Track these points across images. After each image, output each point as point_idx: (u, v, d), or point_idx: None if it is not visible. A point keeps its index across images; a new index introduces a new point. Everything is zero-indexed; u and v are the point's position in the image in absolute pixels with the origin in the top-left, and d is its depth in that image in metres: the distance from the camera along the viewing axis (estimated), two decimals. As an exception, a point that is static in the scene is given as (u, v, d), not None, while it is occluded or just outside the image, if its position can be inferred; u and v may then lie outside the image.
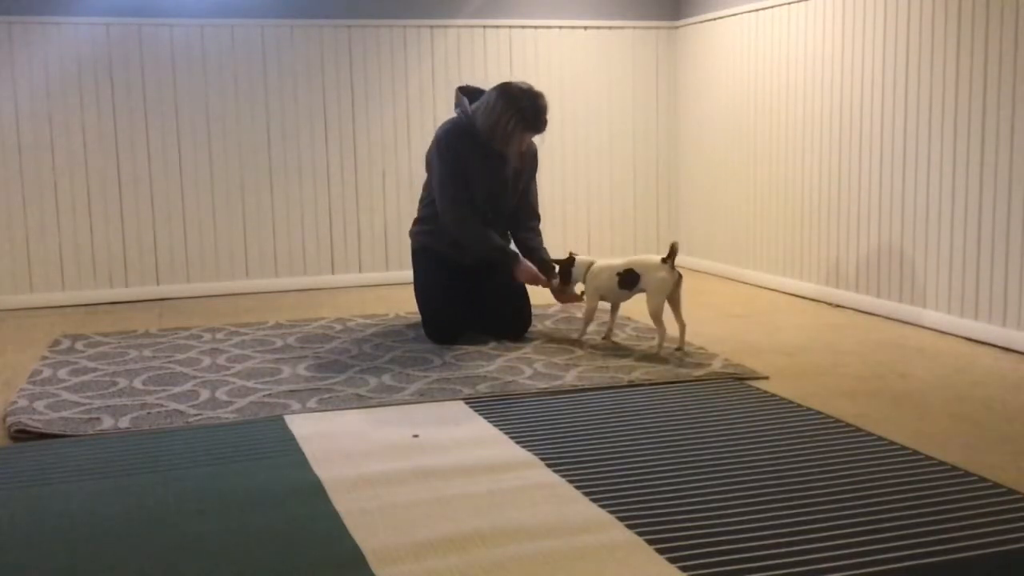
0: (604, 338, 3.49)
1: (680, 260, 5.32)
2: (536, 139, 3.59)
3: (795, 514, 1.94)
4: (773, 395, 2.80)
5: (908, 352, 3.31)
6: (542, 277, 3.52)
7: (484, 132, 3.46)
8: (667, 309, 3.30)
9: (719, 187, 4.95)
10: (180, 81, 4.56)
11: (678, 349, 3.31)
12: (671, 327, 3.32)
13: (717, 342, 3.47)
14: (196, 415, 2.70)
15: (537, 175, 3.75)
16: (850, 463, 2.23)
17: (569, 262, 3.49)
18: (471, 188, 3.52)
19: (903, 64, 3.69)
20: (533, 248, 3.64)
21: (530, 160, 3.66)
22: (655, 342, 3.33)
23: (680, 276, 3.30)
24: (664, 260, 3.27)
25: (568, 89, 5.09)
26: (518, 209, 3.66)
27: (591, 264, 3.45)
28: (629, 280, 3.33)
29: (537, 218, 3.74)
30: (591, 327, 3.57)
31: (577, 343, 3.46)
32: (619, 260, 3.41)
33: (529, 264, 3.53)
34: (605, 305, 3.49)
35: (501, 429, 2.52)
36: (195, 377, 3.09)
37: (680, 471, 2.20)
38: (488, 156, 3.50)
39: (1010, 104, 3.24)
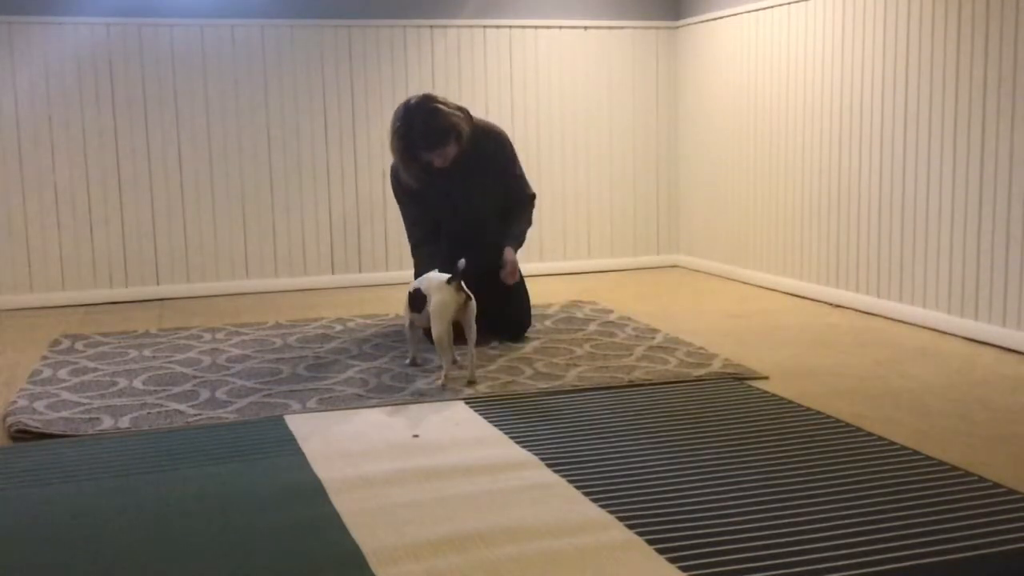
0: (441, 384, 2.94)
1: (680, 260, 5.38)
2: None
3: (795, 514, 1.94)
4: (773, 395, 2.80)
5: (908, 352, 3.30)
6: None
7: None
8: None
9: (719, 187, 4.95)
10: (180, 81, 4.56)
11: (470, 383, 2.93)
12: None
13: (717, 342, 3.47)
14: (196, 415, 2.70)
15: (516, 162, 3.59)
16: (850, 463, 2.23)
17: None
18: (437, 205, 3.48)
19: (903, 64, 3.69)
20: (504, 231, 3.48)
21: (498, 155, 3.51)
22: (440, 372, 2.97)
23: (468, 298, 2.95)
24: (448, 280, 2.93)
25: (568, 89, 5.09)
26: (508, 201, 3.59)
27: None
28: (419, 302, 3.02)
29: (526, 198, 3.60)
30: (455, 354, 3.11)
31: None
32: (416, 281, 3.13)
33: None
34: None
35: (501, 429, 2.52)
36: (195, 377, 3.09)
37: (680, 471, 2.20)
38: (439, 174, 3.41)
39: (1010, 104, 3.24)
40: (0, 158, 4.38)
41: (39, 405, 2.80)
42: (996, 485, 2.07)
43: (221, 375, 3.11)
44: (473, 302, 2.97)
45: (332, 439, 2.46)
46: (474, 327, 2.99)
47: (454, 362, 3.01)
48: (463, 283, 2.94)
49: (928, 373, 3.04)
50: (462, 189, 3.48)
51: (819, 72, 4.15)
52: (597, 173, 5.19)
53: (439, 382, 2.94)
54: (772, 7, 4.42)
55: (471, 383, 2.94)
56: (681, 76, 5.23)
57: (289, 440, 2.47)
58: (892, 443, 2.36)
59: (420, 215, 3.55)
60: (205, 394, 2.90)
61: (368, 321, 3.92)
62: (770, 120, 4.49)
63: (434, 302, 2.94)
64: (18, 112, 4.38)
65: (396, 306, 4.23)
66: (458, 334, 3.02)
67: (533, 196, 3.67)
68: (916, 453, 2.29)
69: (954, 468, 2.18)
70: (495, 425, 2.55)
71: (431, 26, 4.85)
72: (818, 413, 2.62)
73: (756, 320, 3.89)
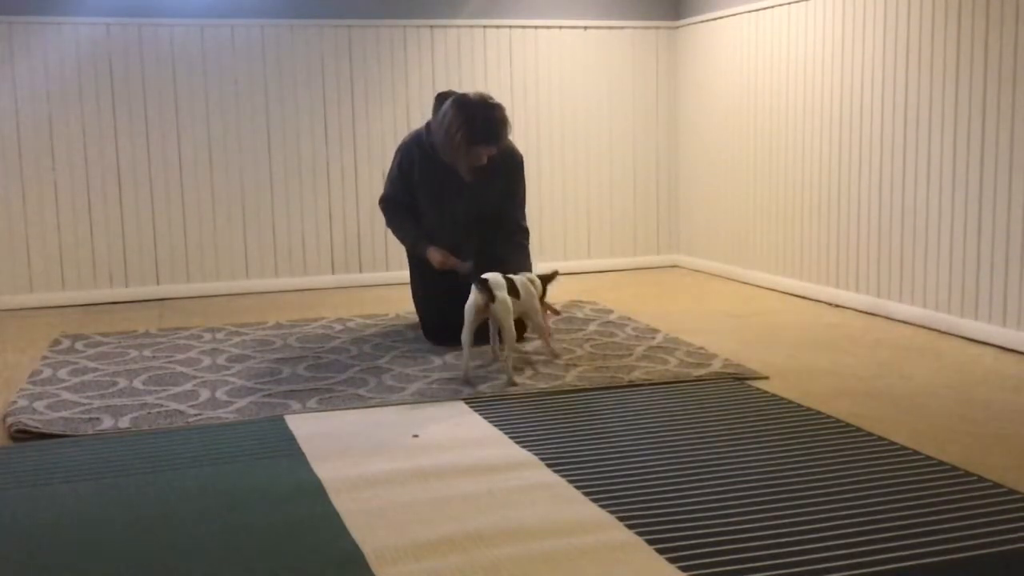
0: (463, 377, 3.04)
1: (680, 260, 5.37)
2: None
3: (795, 514, 1.94)
4: (773, 395, 2.80)
5: (908, 352, 3.30)
6: (451, 259, 3.40)
7: (436, 143, 3.42)
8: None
9: (719, 187, 4.95)
10: (180, 81, 4.56)
11: (510, 383, 2.97)
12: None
13: (717, 342, 3.47)
14: (196, 415, 2.70)
15: (523, 187, 3.61)
16: (850, 463, 2.23)
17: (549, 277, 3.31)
18: (423, 198, 3.53)
19: (903, 64, 3.69)
20: (502, 261, 3.38)
21: (509, 170, 3.55)
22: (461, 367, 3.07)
23: (490, 299, 2.99)
24: (478, 282, 3.02)
25: (568, 89, 5.09)
26: (500, 220, 3.57)
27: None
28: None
29: (520, 230, 3.59)
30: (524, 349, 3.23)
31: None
32: None
33: (436, 248, 3.44)
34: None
35: (501, 429, 2.52)
36: (195, 377, 3.09)
37: (680, 471, 2.20)
38: (444, 170, 3.46)
39: (1010, 104, 3.24)
40: (0, 158, 4.38)
41: (39, 405, 2.80)
42: (996, 485, 2.07)
43: (221, 375, 3.11)
44: (496, 303, 3.00)
45: (332, 439, 2.46)
46: (507, 327, 3.00)
47: (470, 364, 3.08)
48: (488, 284, 2.99)
49: (928, 373, 3.04)
50: (472, 188, 3.49)
51: (819, 72, 4.15)
52: (597, 173, 5.19)
53: (463, 373, 3.02)
54: (772, 7, 4.43)
55: (512, 383, 2.95)
56: (681, 76, 5.23)
57: (289, 440, 2.47)
58: (892, 443, 2.36)
59: (401, 196, 3.59)
60: (205, 394, 2.90)
61: (368, 321, 3.92)
62: (770, 120, 4.49)
63: (467, 303, 3.04)
64: (18, 112, 4.38)
65: (396, 306, 4.23)
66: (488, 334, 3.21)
67: (527, 230, 3.64)
68: (916, 453, 2.29)
69: (954, 468, 2.18)
70: (495, 425, 2.56)
71: (431, 26, 4.85)
72: (818, 413, 2.62)
73: (756, 320, 3.89)
